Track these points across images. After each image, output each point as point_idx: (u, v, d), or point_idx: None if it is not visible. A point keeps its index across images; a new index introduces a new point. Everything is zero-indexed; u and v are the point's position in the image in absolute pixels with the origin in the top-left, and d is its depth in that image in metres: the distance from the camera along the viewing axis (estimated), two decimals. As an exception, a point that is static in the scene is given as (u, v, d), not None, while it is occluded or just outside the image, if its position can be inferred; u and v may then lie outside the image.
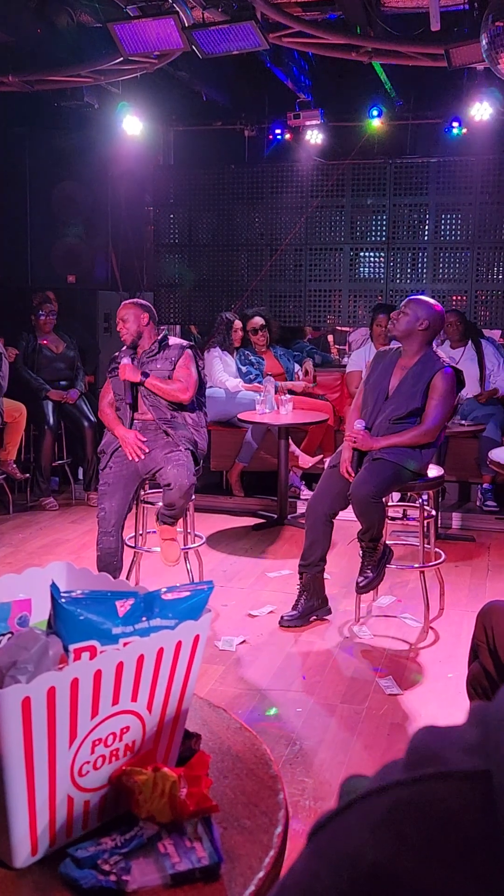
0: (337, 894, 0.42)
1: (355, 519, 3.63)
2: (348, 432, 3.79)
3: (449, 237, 7.02)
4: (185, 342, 4.16)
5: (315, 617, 3.91)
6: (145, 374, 3.94)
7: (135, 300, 4.17)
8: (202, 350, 6.47)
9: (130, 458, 3.90)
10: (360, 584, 3.69)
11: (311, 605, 3.89)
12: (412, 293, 6.98)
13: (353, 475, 3.67)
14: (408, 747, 0.47)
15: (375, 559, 3.66)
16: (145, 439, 3.93)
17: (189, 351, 4.05)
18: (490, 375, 6.05)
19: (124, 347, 4.07)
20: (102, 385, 4.25)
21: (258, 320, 6.34)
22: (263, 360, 6.36)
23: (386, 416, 3.72)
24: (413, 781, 0.44)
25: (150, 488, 4.13)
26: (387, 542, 3.77)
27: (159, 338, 4.07)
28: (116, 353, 4.13)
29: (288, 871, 0.46)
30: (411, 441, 3.65)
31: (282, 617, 3.90)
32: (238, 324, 6.25)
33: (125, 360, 3.96)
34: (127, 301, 4.16)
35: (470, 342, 6.13)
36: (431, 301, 3.76)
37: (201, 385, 4.09)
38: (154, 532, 4.14)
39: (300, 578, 3.88)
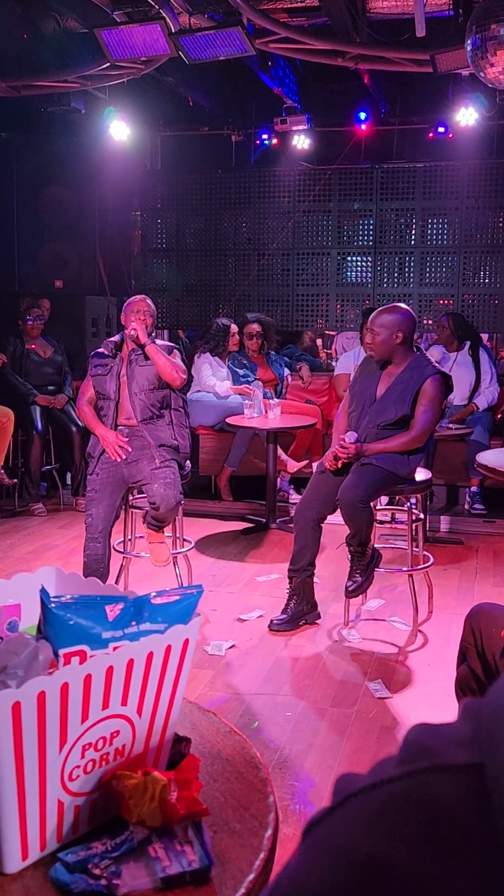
0: (332, 887, 0.42)
1: (343, 523, 3.64)
2: (336, 439, 3.79)
3: (435, 241, 7.05)
4: (171, 344, 4.17)
5: (304, 622, 3.91)
6: (152, 339, 3.94)
7: (143, 295, 4.23)
8: (191, 355, 6.48)
9: (113, 459, 3.88)
10: (350, 589, 3.70)
11: (301, 609, 3.89)
12: (402, 298, 7.03)
13: (337, 465, 3.69)
14: (402, 743, 0.48)
15: (364, 563, 3.67)
16: (127, 439, 3.91)
17: (175, 351, 4.06)
18: (479, 386, 6.02)
19: (105, 341, 4.10)
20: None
21: (255, 327, 6.28)
22: (256, 365, 6.37)
23: (372, 421, 3.73)
24: (407, 775, 0.44)
25: (137, 493, 4.12)
26: (375, 545, 3.78)
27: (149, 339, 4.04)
28: (100, 349, 4.08)
29: (283, 867, 0.47)
30: (400, 447, 3.67)
31: (271, 621, 3.90)
32: (234, 328, 6.24)
33: (138, 321, 3.94)
34: (141, 297, 4.15)
35: (467, 348, 6.10)
36: (397, 311, 3.72)
37: (185, 386, 4.11)
38: (143, 537, 4.14)
39: (290, 583, 3.89)
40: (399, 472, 3.68)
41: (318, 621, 3.94)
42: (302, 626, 3.90)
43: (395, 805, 0.43)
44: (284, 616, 3.88)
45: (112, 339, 4.13)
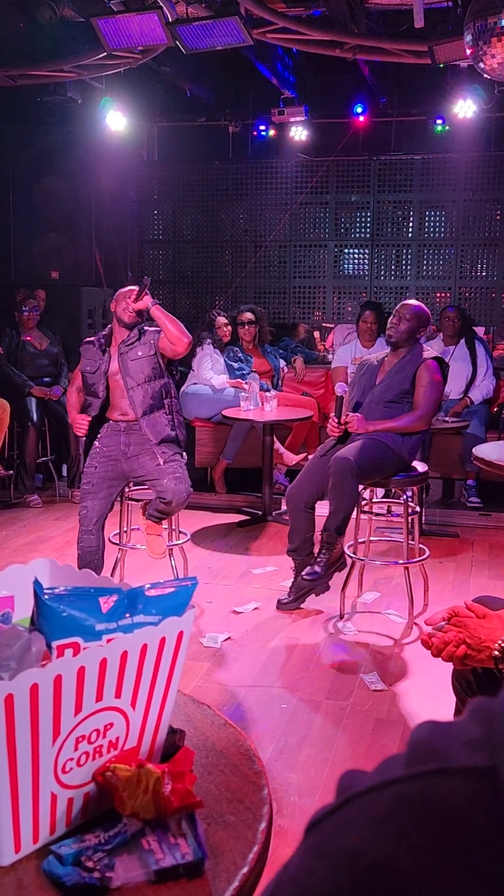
0: (335, 892, 0.41)
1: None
2: (337, 394, 3.89)
3: (433, 234, 7.04)
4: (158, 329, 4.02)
5: (314, 595, 3.99)
6: (157, 301, 3.84)
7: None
8: (194, 346, 6.46)
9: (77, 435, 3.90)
10: (305, 578, 3.77)
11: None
12: (399, 291, 7.02)
13: (339, 431, 3.80)
14: (408, 742, 0.46)
15: (328, 559, 3.74)
16: (88, 419, 3.86)
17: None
18: (475, 379, 6.05)
19: (98, 335, 3.99)
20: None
21: (248, 315, 6.31)
22: (251, 357, 6.36)
23: (376, 398, 3.87)
24: (415, 777, 0.43)
25: (133, 486, 4.10)
26: (345, 551, 3.84)
27: (136, 331, 3.91)
28: (90, 339, 4.01)
29: (283, 867, 0.45)
30: (406, 426, 3.78)
31: (278, 600, 4.02)
32: (222, 320, 6.24)
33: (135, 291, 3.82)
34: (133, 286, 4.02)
35: (464, 341, 6.12)
36: (423, 307, 3.99)
37: (177, 382, 4.07)
38: (138, 529, 4.14)
39: (293, 563, 3.99)
40: (396, 450, 3.74)
41: (313, 613, 3.96)
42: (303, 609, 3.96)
43: (402, 808, 0.42)
44: (289, 595, 4.01)
45: (103, 332, 4.02)
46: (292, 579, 4.03)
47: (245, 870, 1.03)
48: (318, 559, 3.76)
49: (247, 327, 6.28)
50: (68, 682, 1.04)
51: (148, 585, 1.21)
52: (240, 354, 6.31)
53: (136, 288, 3.87)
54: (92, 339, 4.01)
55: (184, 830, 1.07)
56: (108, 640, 1.11)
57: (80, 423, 3.87)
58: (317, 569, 3.73)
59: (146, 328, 3.93)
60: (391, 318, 3.94)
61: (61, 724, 1.05)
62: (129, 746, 1.16)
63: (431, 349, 4.00)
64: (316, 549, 3.87)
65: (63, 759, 1.07)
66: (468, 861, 0.39)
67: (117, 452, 3.85)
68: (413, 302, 4.00)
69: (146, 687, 1.14)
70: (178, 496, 3.74)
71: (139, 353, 3.84)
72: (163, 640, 1.14)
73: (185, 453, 4.01)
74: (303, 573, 3.78)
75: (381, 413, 3.83)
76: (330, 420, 3.92)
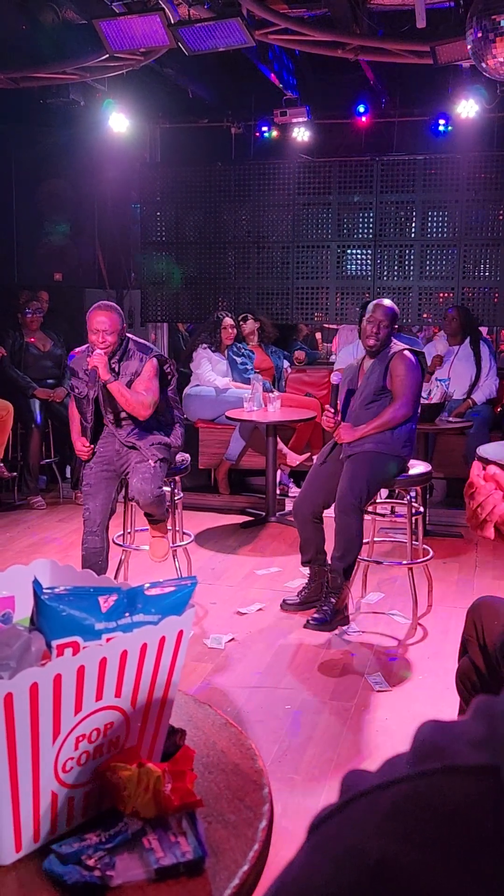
0: (338, 890, 0.41)
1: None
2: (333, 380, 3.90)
3: (436, 234, 7.02)
4: (148, 348, 3.86)
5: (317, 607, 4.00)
6: (115, 375, 3.69)
7: (110, 304, 3.80)
8: (191, 349, 6.49)
9: (101, 455, 3.88)
10: (311, 622, 3.77)
11: (313, 594, 4.00)
12: (402, 291, 7.01)
13: (338, 416, 3.83)
14: (412, 741, 0.46)
15: (335, 606, 3.72)
16: (90, 447, 3.86)
17: (153, 361, 3.79)
18: (479, 380, 6.03)
19: (84, 351, 3.79)
20: None
21: (248, 315, 6.62)
22: (254, 353, 6.42)
23: (358, 403, 3.89)
24: (418, 776, 0.43)
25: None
26: (348, 605, 3.84)
27: (120, 351, 3.76)
28: (75, 356, 3.86)
29: (287, 866, 0.45)
30: (391, 419, 3.76)
31: (283, 600, 4.06)
32: (228, 321, 6.27)
33: (98, 354, 3.63)
34: (101, 305, 3.74)
35: (468, 341, 6.11)
36: (392, 306, 3.95)
37: (180, 383, 4.05)
38: (142, 530, 4.14)
39: (309, 572, 4.04)
40: (389, 452, 3.74)
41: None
42: (310, 611, 3.95)
43: (406, 807, 0.42)
44: (297, 598, 4.05)
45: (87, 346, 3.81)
46: (304, 585, 4.07)
47: (245, 868, 1.03)
48: (324, 605, 3.77)
49: (250, 321, 6.49)
50: (68, 681, 1.04)
51: (148, 585, 1.21)
52: (243, 350, 6.37)
53: (103, 310, 3.71)
54: (81, 349, 3.86)
55: (184, 829, 1.07)
56: (108, 640, 1.11)
57: (80, 451, 3.88)
58: (326, 610, 3.76)
59: (129, 350, 3.78)
60: (367, 326, 3.85)
61: (61, 724, 1.05)
62: (130, 745, 1.16)
63: (399, 343, 3.91)
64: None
65: (63, 758, 1.07)
66: (472, 860, 0.39)
67: (112, 452, 3.88)
68: (385, 303, 3.92)
69: (146, 686, 1.14)
70: (143, 495, 3.74)
71: (126, 377, 3.75)
72: (162, 640, 1.14)
73: (181, 457, 3.98)
74: (309, 617, 3.81)
75: (365, 416, 3.84)
76: (325, 411, 3.92)
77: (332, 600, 3.72)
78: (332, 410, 3.85)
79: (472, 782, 0.41)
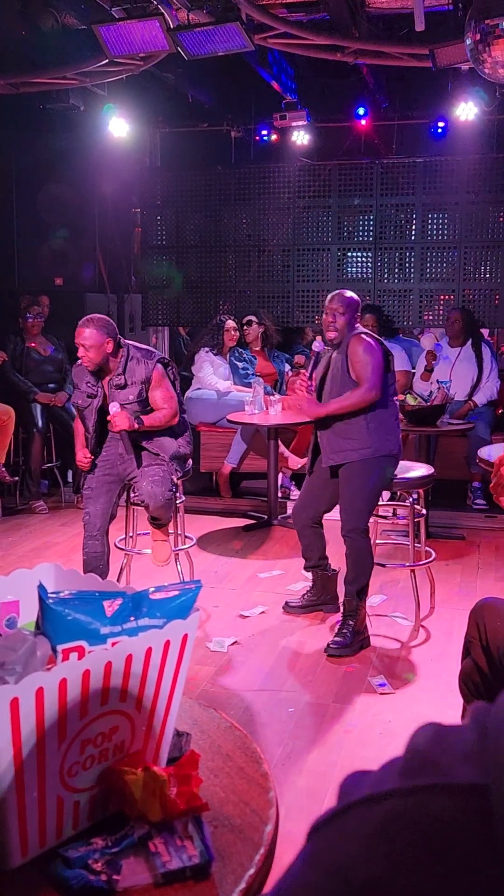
0: None
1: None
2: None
3: (436, 237, 7.03)
4: (152, 354, 3.85)
5: (322, 610, 4.02)
6: (139, 421, 3.71)
7: (92, 318, 3.76)
8: (192, 352, 6.51)
9: (103, 462, 3.87)
10: (332, 646, 3.58)
11: (316, 599, 4.01)
12: (403, 293, 7.01)
13: (312, 384, 3.74)
14: (406, 748, 0.46)
15: (355, 627, 3.61)
16: (90, 458, 3.85)
17: (159, 366, 3.81)
18: (481, 381, 6.05)
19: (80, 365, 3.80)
20: None
21: (252, 317, 6.61)
22: (256, 358, 6.43)
23: (328, 397, 3.73)
24: (409, 792, 0.43)
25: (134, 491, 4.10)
26: (369, 627, 3.71)
27: (122, 360, 3.75)
28: (78, 369, 3.86)
29: (283, 874, 0.46)
30: (355, 402, 3.59)
31: (286, 602, 4.06)
32: (230, 324, 6.28)
33: (115, 409, 3.65)
34: (85, 322, 3.73)
35: (470, 343, 6.13)
36: (351, 294, 3.79)
37: (182, 387, 4.06)
38: (144, 534, 4.14)
39: (312, 577, 4.03)
40: (375, 454, 3.61)
41: (320, 617, 3.96)
42: (313, 614, 3.98)
43: (393, 825, 0.42)
44: (299, 601, 4.05)
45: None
46: (308, 588, 4.07)
47: (252, 871, 1.03)
48: (344, 629, 3.63)
49: (253, 326, 6.44)
50: (73, 685, 1.04)
51: (152, 589, 1.21)
52: (245, 355, 6.37)
53: (89, 324, 3.74)
54: (78, 371, 3.88)
55: (190, 833, 1.07)
56: (113, 644, 1.11)
57: (80, 461, 3.87)
58: (346, 634, 3.60)
59: (131, 358, 3.77)
60: (324, 317, 3.72)
61: (67, 728, 1.05)
62: (135, 749, 1.16)
63: (359, 327, 3.78)
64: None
65: (69, 762, 1.08)
66: (458, 880, 0.39)
67: (114, 457, 3.88)
68: (345, 293, 3.76)
69: (151, 690, 1.14)
70: (153, 498, 3.74)
71: (129, 397, 3.75)
72: (167, 643, 1.14)
73: (175, 462, 3.90)
74: (329, 641, 3.62)
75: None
76: (300, 375, 3.80)
77: (351, 623, 3.61)
78: (308, 378, 3.74)
79: (458, 802, 0.42)
